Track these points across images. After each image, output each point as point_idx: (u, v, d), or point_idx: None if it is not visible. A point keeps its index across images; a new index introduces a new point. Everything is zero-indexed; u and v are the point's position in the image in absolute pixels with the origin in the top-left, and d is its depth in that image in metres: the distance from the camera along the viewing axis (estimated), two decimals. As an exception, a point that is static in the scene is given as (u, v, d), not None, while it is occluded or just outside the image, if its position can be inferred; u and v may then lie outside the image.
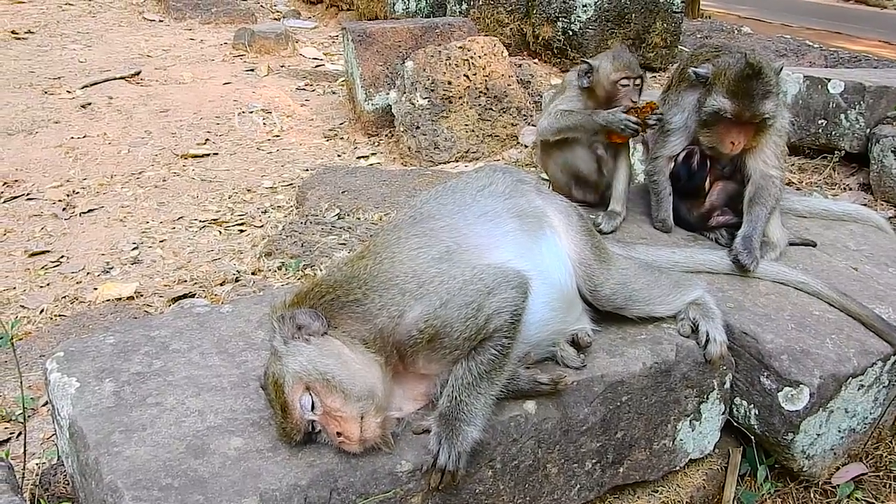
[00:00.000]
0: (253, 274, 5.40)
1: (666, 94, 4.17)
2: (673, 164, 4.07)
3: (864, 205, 5.61)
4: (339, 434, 2.36)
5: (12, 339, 3.11)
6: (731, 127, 3.73)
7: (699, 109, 3.82)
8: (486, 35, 9.00)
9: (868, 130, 6.23)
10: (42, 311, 5.13)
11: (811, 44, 10.58)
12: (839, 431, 3.27)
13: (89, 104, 9.11)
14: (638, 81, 3.98)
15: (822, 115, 6.44)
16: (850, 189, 6.37)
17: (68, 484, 2.99)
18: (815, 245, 3.99)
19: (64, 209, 6.75)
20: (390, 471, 2.40)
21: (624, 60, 3.95)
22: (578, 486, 2.89)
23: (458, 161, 7.83)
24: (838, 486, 3.31)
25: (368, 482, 2.37)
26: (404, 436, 2.50)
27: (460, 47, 8.22)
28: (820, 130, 6.48)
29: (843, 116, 6.34)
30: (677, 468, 3.21)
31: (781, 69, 3.77)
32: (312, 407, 2.36)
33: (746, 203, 3.88)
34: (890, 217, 5.68)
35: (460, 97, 8.06)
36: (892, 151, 5.97)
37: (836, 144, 6.44)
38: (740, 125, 3.72)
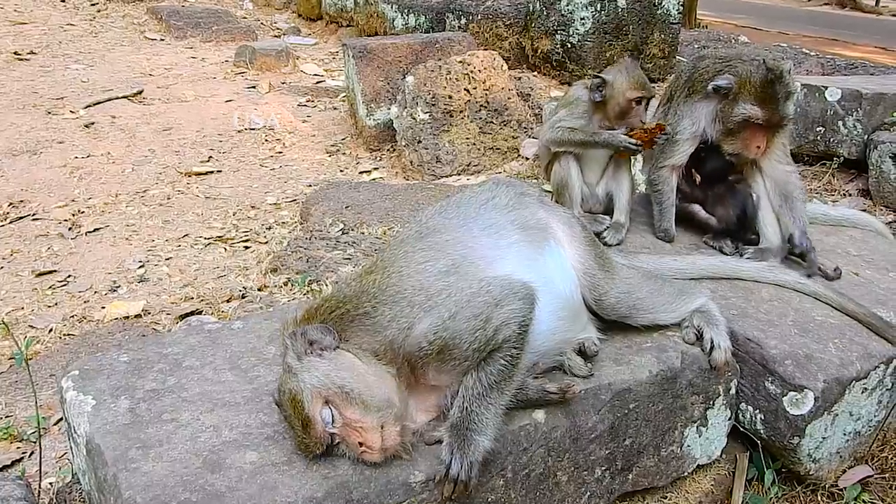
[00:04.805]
0: (259, 290, 5.44)
1: (669, 104, 4.20)
2: (675, 174, 4.13)
3: (864, 210, 5.66)
4: (360, 444, 2.40)
5: (27, 358, 3.13)
6: (756, 132, 3.82)
7: (721, 119, 3.89)
8: (486, 49, 9.07)
9: (866, 137, 6.29)
10: (50, 330, 5.17)
11: (808, 52, 10.64)
12: (844, 434, 3.31)
13: (93, 124, 9.18)
14: (649, 99, 4.07)
15: (820, 122, 6.49)
16: (850, 195, 6.41)
17: (84, 502, 3.03)
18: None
19: (70, 229, 6.80)
20: (404, 481, 2.44)
21: (639, 79, 4.04)
22: (589, 493, 2.93)
23: (459, 174, 7.89)
24: (845, 488, 3.34)
25: (383, 493, 2.41)
26: (417, 446, 2.54)
27: (460, 61, 8.29)
28: (818, 138, 6.54)
29: (840, 123, 6.39)
30: (685, 474, 3.24)
31: (791, 68, 3.84)
32: (333, 420, 2.40)
33: (779, 203, 3.98)
34: (889, 222, 5.73)
35: (461, 111, 8.12)
36: (889, 157, 6.02)
37: (835, 151, 6.50)
38: (765, 129, 3.81)
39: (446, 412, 2.59)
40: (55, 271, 6.07)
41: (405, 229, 3.03)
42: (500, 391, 2.54)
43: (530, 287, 2.64)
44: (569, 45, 9.49)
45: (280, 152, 8.81)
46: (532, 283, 2.67)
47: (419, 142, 8.00)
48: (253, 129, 9.35)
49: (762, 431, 3.26)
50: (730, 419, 3.29)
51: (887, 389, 3.36)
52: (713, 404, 3.19)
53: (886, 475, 3.44)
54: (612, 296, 3.09)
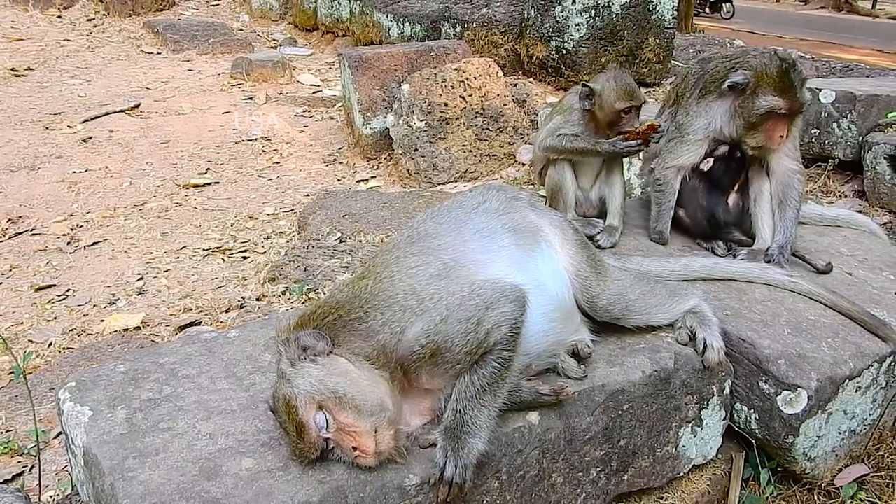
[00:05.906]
0: (258, 300, 5.45)
1: (677, 106, 4.20)
2: (681, 175, 4.14)
3: (860, 211, 5.68)
4: (354, 449, 2.41)
5: (25, 373, 3.15)
6: (778, 122, 3.85)
7: (741, 114, 3.90)
8: (481, 56, 9.10)
9: (860, 138, 6.31)
10: (50, 344, 5.18)
11: (803, 55, 10.66)
12: (839, 433, 3.32)
13: (90, 138, 9.20)
14: (639, 107, 4.09)
15: (815, 124, 6.51)
16: (846, 196, 6.43)
17: (83, 512, 3.04)
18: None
19: (68, 243, 6.82)
20: (399, 485, 2.45)
21: (627, 88, 4.03)
22: (584, 494, 2.94)
23: (456, 181, 7.90)
24: (841, 487, 3.36)
25: (378, 497, 2.42)
26: (411, 450, 2.55)
27: (455, 69, 8.31)
28: (813, 140, 6.55)
29: (835, 125, 6.41)
30: (681, 474, 3.26)
31: (798, 56, 3.88)
32: (327, 425, 2.42)
33: (776, 205, 4.02)
34: (885, 223, 5.75)
35: (457, 118, 8.14)
36: (884, 158, 6.04)
37: (830, 153, 6.51)
38: (786, 118, 3.85)
39: (440, 415, 2.61)
40: (54, 285, 6.09)
41: (397, 235, 3.05)
42: (493, 394, 2.56)
43: (521, 290, 2.66)
44: (564, 52, 9.53)
45: (277, 162, 8.83)
46: (523, 285, 2.69)
47: (416, 150, 8.02)
48: (250, 139, 9.37)
49: (757, 431, 3.27)
50: (724, 419, 3.30)
51: (881, 388, 3.37)
52: (707, 404, 3.21)
53: (882, 473, 3.45)
54: (604, 297, 3.11)
